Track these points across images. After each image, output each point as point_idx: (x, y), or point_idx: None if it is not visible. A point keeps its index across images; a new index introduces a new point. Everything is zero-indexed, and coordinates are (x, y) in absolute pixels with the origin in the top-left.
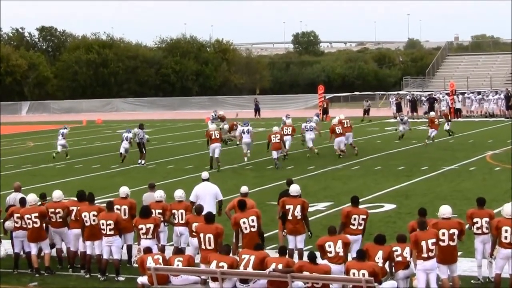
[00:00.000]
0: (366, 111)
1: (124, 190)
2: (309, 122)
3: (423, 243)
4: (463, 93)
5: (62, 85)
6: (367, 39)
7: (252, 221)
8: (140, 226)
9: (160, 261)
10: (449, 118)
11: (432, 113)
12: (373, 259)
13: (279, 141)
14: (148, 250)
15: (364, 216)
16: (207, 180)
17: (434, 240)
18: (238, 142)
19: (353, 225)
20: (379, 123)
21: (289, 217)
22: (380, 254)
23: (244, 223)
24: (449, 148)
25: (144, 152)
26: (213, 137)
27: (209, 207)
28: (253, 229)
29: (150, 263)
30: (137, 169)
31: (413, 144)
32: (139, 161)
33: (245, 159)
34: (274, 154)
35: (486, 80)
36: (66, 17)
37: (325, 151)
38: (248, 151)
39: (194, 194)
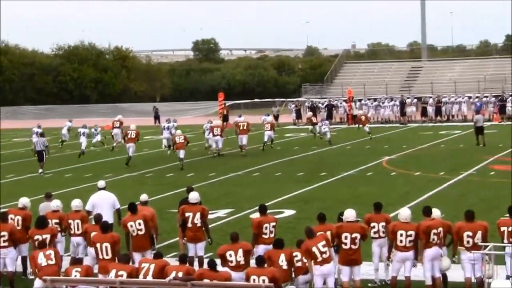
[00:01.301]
0: (275, 117)
1: (22, 201)
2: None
3: (314, 249)
4: (360, 100)
5: None
6: (267, 46)
7: (139, 224)
8: (36, 237)
9: (52, 256)
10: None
11: (309, 113)
12: (277, 264)
13: (183, 141)
14: (42, 245)
15: (274, 223)
16: (104, 188)
17: (324, 243)
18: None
19: (265, 234)
20: (279, 130)
21: (189, 225)
22: (282, 257)
23: (131, 226)
24: (347, 154)
25: (44, 161)
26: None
27: (107, 216)
28: (140, 232)
29: (41, 259)
30: (34, 178)
31: (312, 150)
32: (40, 170)
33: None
34: (180, 153)
35: (382, 87)
36: None
37: (227, 158)
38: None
39: (91, 203)
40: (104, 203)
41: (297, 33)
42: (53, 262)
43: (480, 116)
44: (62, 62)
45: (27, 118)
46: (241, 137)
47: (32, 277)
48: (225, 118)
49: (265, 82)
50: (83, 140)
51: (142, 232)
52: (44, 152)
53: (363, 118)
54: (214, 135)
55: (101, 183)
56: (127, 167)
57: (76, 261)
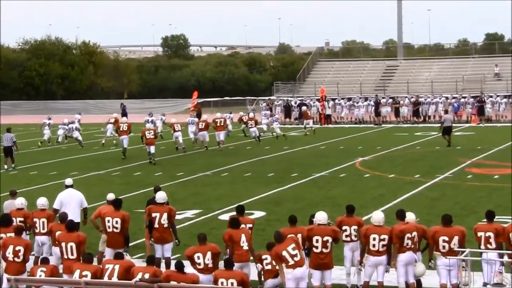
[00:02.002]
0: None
1: None
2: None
3: (284, 253)
4: (333, 99)
5: None
6: (238, 43)
7: (117, 222)
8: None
9: (21, 254)
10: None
11: (251, 114)
12: (238, 245)
13: (153, 136)
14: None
15: (251, 225)
16: (71, 186)
17: (293, 245)
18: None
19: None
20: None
21: (156, 225)
22: (243, 237)
23: (108, 221)
24: (319, 155)
25: (13, 156)
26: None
27: (74, 214)
28: (115, 230)
29: (9, 253)
30: None
31: (284, 150)
32: (6, 166)
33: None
34: (151, 149)
35: (356, 86)
36: None
37: (195, 156)
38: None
39: (58, 201)
40: (72, 201)
41: (269, 29)
42: (20, 260)
43: (448, 116)
44: (29, 57)
45: None
46: (218, 133)
47: None
48: (198, 116)
49: (236, 80)
50: (46, 132)
51: (117, 230)
52: (12, 148)
53: (308, 112)
54: (200, 130)
55: (68, 181)
56: (124, 158)
57: (43, 261)
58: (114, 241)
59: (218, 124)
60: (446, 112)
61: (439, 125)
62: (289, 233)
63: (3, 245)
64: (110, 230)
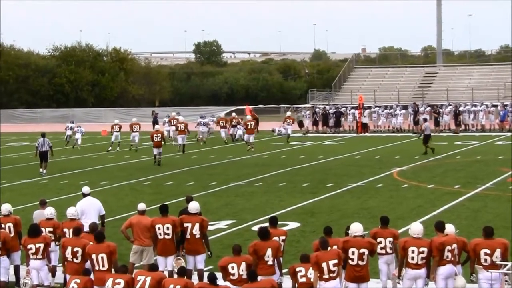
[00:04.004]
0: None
1: (6, 208)
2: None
3: (324, 264)
4: (369, 107)
5: None
6: (272, 49)
7: (168, 228)
8: (29, 246)
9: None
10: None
11: (288, 113)
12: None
13: (160, 139)
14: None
15: (284, 237)
16: (89, 194)
17: (336, 261)
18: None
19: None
20: (284, 138)
21: (187, 236)
22: (269, 251)
23: (159, 229)
24: (355, 164)
25: (47, 161)
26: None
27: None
28: (167, 237)
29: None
30: (28, 184)
31: (319, 159)
32: (44, 170)
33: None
34: (155, 151)
35: (394, 94)
36: None
37: (228, 165)
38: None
39: (80, 210)
40: (92, 209)
41: (304, 35)
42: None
43: (427, 124)
44: (58, 63)
45: (21, 121)
46: (248, 136)
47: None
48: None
49: (270, 87)
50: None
51: (169, 237)
52: (48, 153)
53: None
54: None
55: (86, 189)
56: (183, 153)
57: (83, 272)
58: (166, 249)
59: (248, 128)
60: (425, 120)
61: (480, 133)
62: None
63: (63, 246)
64: (161, 237)
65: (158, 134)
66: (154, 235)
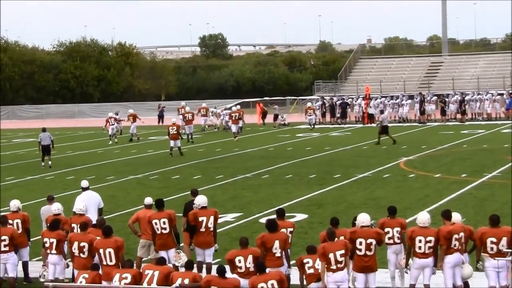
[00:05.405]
0: (276, 116)
1: (15, 204)
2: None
3: (331, 255)
4: (376, 98)
5: None
6: (277, 41)
7: (164, 223)
8: (44, 239)
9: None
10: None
11: (308, 104)
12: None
13: (175, 132)
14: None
15: (292, 229)
16: (88, 188)
17: (343, 252)
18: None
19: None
20: (290, 130)
21: (202, 229)
22: (277, 243)
23: (156, 223)
24: (362, 155)
25: (50, 154)
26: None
27: (93, 216)
28: (164, 231)
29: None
30: (34, 181)
31: (325, 151)
32: (43, 164)
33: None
34: (172, 143)
35: (400, 84)
36: None
37: (234, 158)
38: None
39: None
40: (92, 203)
41: (309, 27)
42: (85, 255)
43: (385, 115)
44: (64, 59)
45: (26, 118)
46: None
47: (43, 280)
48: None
49: (276, 80)
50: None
51: (166, 231)
52: (50, 146)
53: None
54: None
55: (85, 183)
56: (193, 142)
57: (92, 267)
58: (165, 243)
59: (233, 118)
60: (381, 112)
61: (486, 122)
62: None
63: (69, 241)
64: (159, 232)
65: (174, 127)
66: (152, 231)
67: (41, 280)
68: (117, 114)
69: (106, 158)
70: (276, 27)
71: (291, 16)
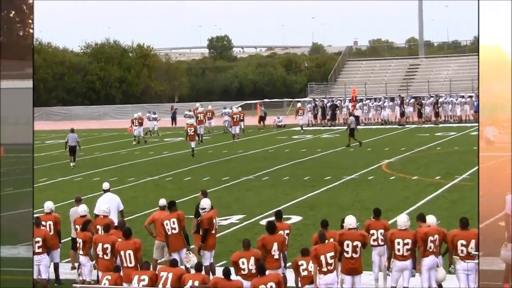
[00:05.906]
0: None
1: (48, 205)
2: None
3: (322, 257)
4: (361, 100)
5: None
6: (276, 43)
7: (173, 223)
8: (78, 239)
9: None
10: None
11: (299, 104)
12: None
13: (193, 133)
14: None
15: (288, 231)
16: (109, 190)
17: (332, 254)
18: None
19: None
20: (287, 131)
21: (213, 231)
22: (275, 246)
23: (166, 224)
24: (349, 157)
25: (75, 155)
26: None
27: (114, 218)
28: (174, 231)
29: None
30: (65, 182)
31: (317, 153)
32: (72, 164)
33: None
34: (192, 144)
35: (382, 86)
36: None
37: (239, 160)
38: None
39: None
40: (112, 205)
41: (304, 29)
42: (108, 257)
43: (353, 118)
44: (90, 60)
45: (58, 119)
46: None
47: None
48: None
49: (274, 81)
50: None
51: (176, 231)
52: (76, 147)
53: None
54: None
55: (106, 185)
56: (201, 142)
57: (114, 269)
58: (176, 243)
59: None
60: (350, 115)
61: (458, 125)
62: None
63: (94, 243)
64: (169, 233)
65: (191, 128)
66: (165, 232)
67: (79, 278)
68: (155, 113)
69: (128, 160)
70: (276, 28)
71: (288, 17)
